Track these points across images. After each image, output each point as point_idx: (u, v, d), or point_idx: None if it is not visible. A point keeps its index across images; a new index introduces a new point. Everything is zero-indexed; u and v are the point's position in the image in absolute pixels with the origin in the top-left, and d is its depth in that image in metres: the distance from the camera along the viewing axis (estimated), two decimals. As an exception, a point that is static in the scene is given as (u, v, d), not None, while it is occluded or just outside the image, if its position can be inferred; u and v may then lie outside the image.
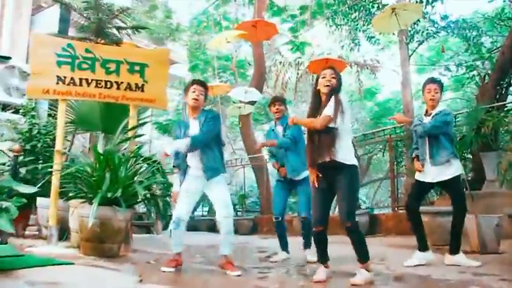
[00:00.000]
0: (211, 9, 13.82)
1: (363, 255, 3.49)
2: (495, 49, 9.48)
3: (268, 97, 15.57)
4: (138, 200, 4.69)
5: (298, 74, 13.21)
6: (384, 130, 10.86)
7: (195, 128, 4.20)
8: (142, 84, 5.21)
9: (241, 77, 15.37)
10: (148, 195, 4.62)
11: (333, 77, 3.65)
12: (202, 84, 4.36)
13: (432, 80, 4.69)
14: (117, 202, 4.24)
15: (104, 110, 5.61)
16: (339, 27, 14.89)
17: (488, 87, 8.16)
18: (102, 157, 4.44)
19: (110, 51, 5.22)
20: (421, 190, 4.74)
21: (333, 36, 18.09)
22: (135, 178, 4.62)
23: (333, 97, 3.54)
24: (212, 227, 10.91)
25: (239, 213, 12.47)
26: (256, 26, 8.68)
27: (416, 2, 10.80)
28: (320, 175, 3.60)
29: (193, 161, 4.19)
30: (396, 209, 9.35)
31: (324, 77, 3.66)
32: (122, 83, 5.15)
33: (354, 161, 3.62)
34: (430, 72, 21.28)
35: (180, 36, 15.29)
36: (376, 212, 10.72)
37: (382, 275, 3.88)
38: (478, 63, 9.39)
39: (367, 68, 13.56)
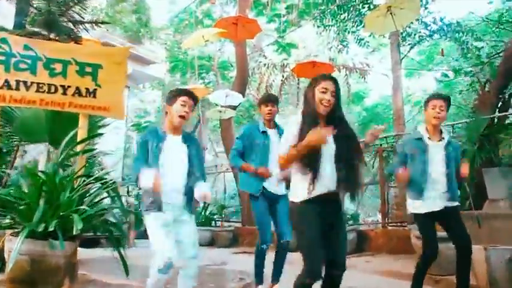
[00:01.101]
0: (193, 7, 13.01)
1: None
2: (495, 54, 8.82)
3: (252, 100, 14.82)
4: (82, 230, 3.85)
5: (283, 76, 12.46)
6: (373, 138, 10.12)
7: (177, 147, 3.41)
8: (95, 89, 4.36)
9: (224, 79, 14.57)
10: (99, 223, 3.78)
11: (333, 95, 2.84)
12: (194, 98, 3.52)
13: (439, 96, 3.94)
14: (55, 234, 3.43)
15: (52, 117, 4.75)
16: (327, 28, 14.25)
17: (490, 95, 7.49)
18: (37, 178, 3.61)
19: (55, 49, 4.34)
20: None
21: (321, 38, 17.48)
22: (85, 201, 3.82)
23: None
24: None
25: (218, 224, 11.70)
26: (237, 23, 7.91)
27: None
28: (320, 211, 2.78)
29: None
30: (386, 225, 8.66)
31: (323, 92, 2.85)
32: (69, 87, 4.29)
33: None
34: (419, 77, 20.87)
35: (158, 34, 14.38)
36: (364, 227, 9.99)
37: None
38: (476, 68, 8.70)
39: (357, 71, 12.86)
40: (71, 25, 5.41)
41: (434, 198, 3.81)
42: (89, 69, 4.35)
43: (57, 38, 5.12)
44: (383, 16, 6.66)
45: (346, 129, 2.88)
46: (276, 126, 4.55)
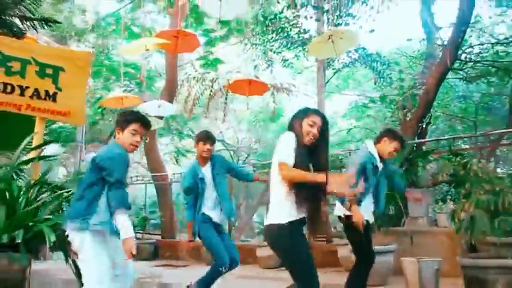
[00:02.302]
0: (122, 12, 12.62)
1: None
2: (414, 86, 9.74)
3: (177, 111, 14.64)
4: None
5: (212, 91, 12.53)
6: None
7: None
8: (55, 93, 4.14)
9: (148, 89, 14.24)
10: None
11: (319, 130, 2.98)
12: (149, 126, 3.32)
13: (400, 137, 4.38)
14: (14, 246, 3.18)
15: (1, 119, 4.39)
16: (253, 46, 14.61)
17: (412, 123, 8.22)
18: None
19: (14, 46, 4.06)
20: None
21: (245, 55, 17.86)
22: (39, 213, 3.57)
23: None
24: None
25: (139, 236, 11.37)
26: (178, 36, 7.85)
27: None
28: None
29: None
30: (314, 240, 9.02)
31: (311, 125, 2.95)
32: (27, 88, 4.05)
33: None
34: (330, 99, 22.13)
35: (87, 37, 13.70)
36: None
37: None
38: (399, 98, 9.53)
39: (283, 91, 13.33)
40: (17, 21, 5.06)
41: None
42: (49, 71, 4.12)
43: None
44: (325, 42, 7.12)
45: (326, 162, 3.06)
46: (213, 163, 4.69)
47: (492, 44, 10.97)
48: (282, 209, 2.86)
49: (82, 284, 2.82)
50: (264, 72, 15.48)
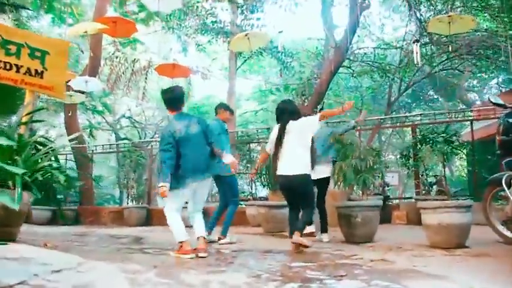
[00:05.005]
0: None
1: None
2: (312, 77, 11.77)
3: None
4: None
5: (133, 70, 13.52)
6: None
7: None
8: (42, 71, 5.27)
9: (70, 65, 14.68)
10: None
11: None
12: None
13: None
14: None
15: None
16: (171, 30, 15.75)
17: (308, 108, 10.17)
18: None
19: (10, 33, 5.13)
20: None
21: (162, 37, 18.83)
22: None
23: None
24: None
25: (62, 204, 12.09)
26: (116, 22, 8.93)
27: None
28: None
29: None
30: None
31: None
32: (21, 66, 5.13)
33: None
34: (242, 82, 23.91)
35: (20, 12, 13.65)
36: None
37: (256, 250, 4.99)
38: (300, 86, 11.47)
39: (199, 73, 14.71)
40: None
41: None
42: (38, 54, 5.24)
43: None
44: (242, 39, 8.78)
45: None
46: None
47: (373, 48, 13.37)
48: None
49: None
50: (179, 55, 16.73)
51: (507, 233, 4.83)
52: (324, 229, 5.90)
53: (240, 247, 5.39)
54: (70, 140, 13.31)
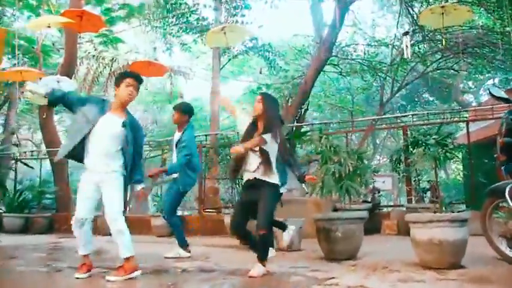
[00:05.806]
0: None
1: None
2: (298, 76, 11.06)
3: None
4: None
5: (111, 69, 12.82)
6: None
7: (115, 124, 4.00)
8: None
9: (44, 65, 13.98)
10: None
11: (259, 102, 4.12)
12: (139, 79, 4.15)
13: None
14: None
15: None
16: (154, 29, 15.06)
17: (292, 109, 9.50)
18: None
19: None
20: None
21: (145, 36, 18.12)
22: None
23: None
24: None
25: (34, 211, 11.43)
26: (82, 16, 8.25)
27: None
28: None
29: None
30: (202, 211, 9.86)
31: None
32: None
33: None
34: (226, 84, 23.24)
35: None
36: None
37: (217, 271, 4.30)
38: (283, 85, 10.78)
39: (181, 74, 14.03)
40: None
41: None
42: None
43: None
44: (218, 33, 8.08)
45: None
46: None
47: (363, 45, 12.71)
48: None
49: None
50: (163, 54, 16.03)
51: (509, 253, 4.12)
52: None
53: (199, 265, 4.70)
54: (46, 144, 12.70)
